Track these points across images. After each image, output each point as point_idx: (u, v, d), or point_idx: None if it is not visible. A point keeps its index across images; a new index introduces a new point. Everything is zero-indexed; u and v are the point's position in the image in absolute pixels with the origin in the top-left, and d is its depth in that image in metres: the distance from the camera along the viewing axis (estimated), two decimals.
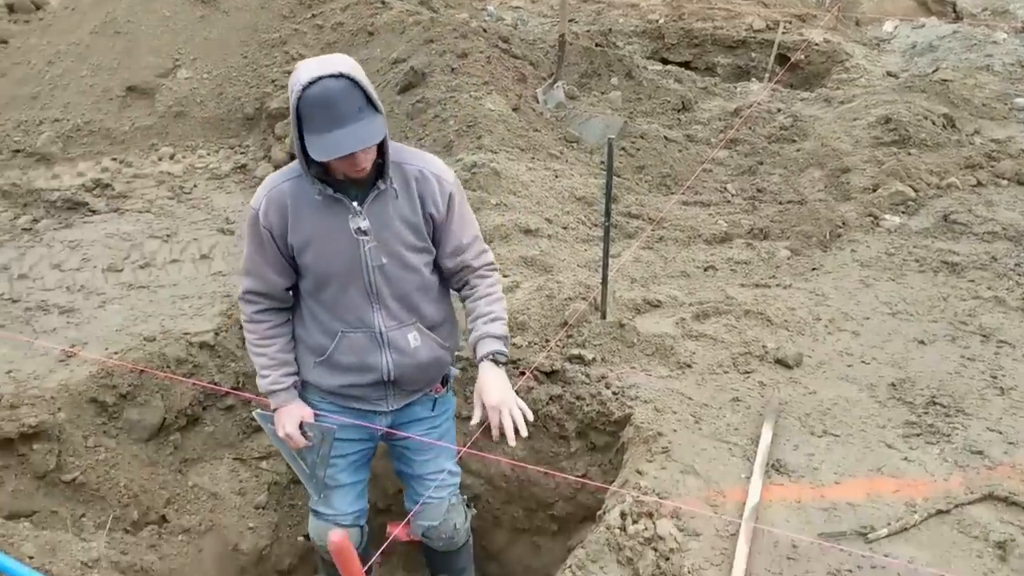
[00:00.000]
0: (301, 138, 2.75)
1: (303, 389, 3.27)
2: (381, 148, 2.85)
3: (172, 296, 5.08)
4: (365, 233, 2.93)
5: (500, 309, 3.18)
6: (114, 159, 6.99)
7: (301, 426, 3.14)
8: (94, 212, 6.17)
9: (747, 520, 3.28)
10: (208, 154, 7.09)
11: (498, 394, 3.02)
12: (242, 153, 7.12)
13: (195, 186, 6.58)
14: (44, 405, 4.05)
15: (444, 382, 3.42)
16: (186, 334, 4.62)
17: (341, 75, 2.66)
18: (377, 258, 2.97)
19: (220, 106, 7.44)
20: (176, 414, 4.43)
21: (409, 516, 3.57)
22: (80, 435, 4.11)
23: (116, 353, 4.43)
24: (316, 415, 3.22)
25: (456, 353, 3.48)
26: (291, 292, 3.16)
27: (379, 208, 2.94)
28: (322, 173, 2.88)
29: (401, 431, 3.37)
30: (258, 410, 3.32)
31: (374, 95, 2.74)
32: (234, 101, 7.45)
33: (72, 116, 7.24)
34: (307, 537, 3.73)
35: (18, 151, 7.01)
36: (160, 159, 7.00)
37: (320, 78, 2.64)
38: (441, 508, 3.49)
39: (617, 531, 3.21)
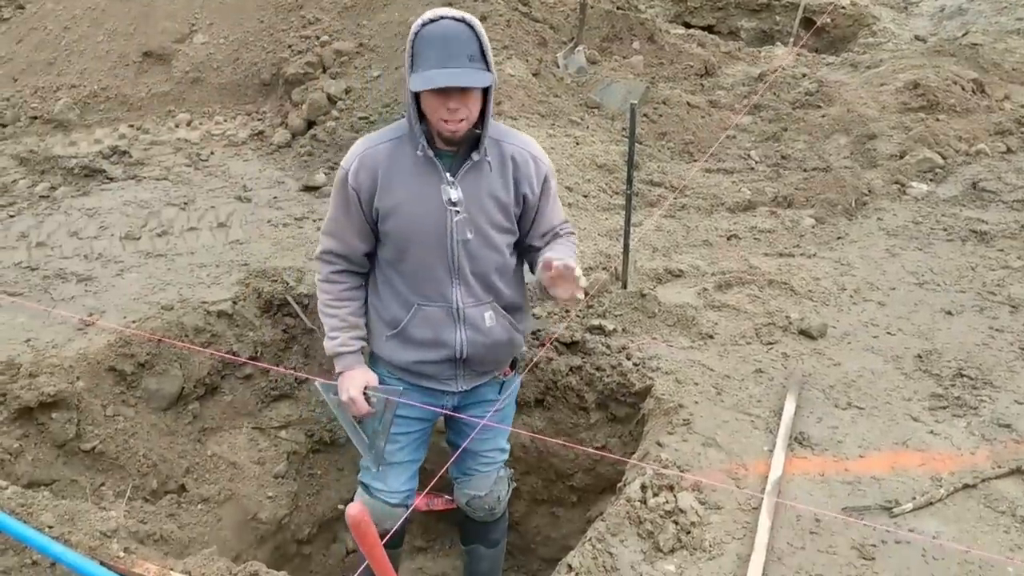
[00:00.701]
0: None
1: (372, 363, 3.23)
2: (481, 118, 2.79)
3: (190, 264, 5.05)
4: (455, 204, 2.87)
5: (567, 243, 3.10)
6: (131, 126, 6.94)
7: (365, 392, 3.05)
8: (111, 179, 6.13)
9: (769, 494, 3.24)
10: (225, 120, 7.03)
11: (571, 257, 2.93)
12: (259, 120, 7.05)
13: (212, 153, 6.53)
14: (63, 374, 4.03)
15: (513, 365, 3.36)
16: (204, 303, 4.59)
17: (463, 20, 2.65)
18: (463, 232, 2.91)
19: (237, 71, 7.37)
20: (195, 383, 4.41)
21: (427, 490, 3.54)
22: (99, 404, 4.10)
23: (134, 322, 4.41)
24: (381, 381, 3.16)
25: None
26: (369, 258, 3.12)
27: (472, 181, 2.88)
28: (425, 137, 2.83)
29: (465, 412, 3.32)
30: (319, 380, 3.24)
31: (489, 52, 2.69)
32: (251, 66, 7.37)
33: (89, 82, 7.19)
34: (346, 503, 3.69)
35: (35, 118, 6.98)
36: (177, 126, 6.94)
37: (443, 17, 2.65)
38: (489, 479, 3.46)
39: (638, 504, 3.17)
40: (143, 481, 4.07)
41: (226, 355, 4.41)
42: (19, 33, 7.93)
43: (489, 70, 2.69)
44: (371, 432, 3.19)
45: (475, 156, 2.84)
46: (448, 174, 2.86)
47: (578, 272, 2.72)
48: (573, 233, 3.19)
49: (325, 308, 3.11)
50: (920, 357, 4.10)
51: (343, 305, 3.10)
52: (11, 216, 5.69)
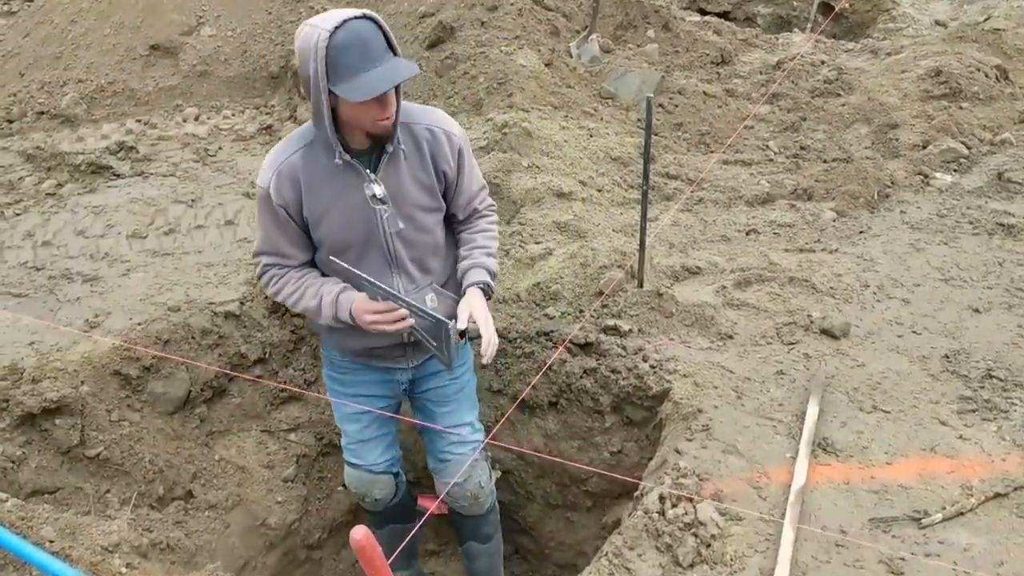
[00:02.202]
0: (329, 93, 2.63)
1: (323, 347, 3.37)
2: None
3: (197, 263, 4.96)
4: (382, 201, 2.88)
5: (495, 247, 3.19)
6: (138, 120, 6.85)
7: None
8: (118, 176, 6.04)
9: (793, 504, 3.13)
10: (233, 114, 6.92)
11: (483, 312, 3.00)
12: (267, 113, 6.95)
13: (220, 148, 6.43)
14: (67, 378, 3.96)
15: (462, 334, 3.30)
16: (211, 303, 4.51)
17: (366, 16, 2.63)
18: (394, 224, 2.93)
19: (245, 64, 7.26)
20: (202, 386, 4.33)
21: (443, 494, 3.48)
22: (103, 409, 4.02)
23: (140, 324, 4.33)
24: (333, 363, 3.33)
25: None
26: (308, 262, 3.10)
27: (393, 173, 2.89)
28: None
29: (421, 385, 3.40)
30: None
31: (394, 39, 2.68)
32: (259, 59, 7.26)
33: (95, 76, 7.10)
34: (344, 487, 3.75)
35: (42, 113, 6.89)
36: (184, 120, 6.85)
37: (346, 21, 2.58)
38: (463, 464, 3.43)
39: (656, 516, 3.06)
40: (149, 488, 4.00)
41: (219, 368, 4.31)
42: (26, 27, 7.84)
43: (398, 55, 2.70)
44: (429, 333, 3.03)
45: (389, 148, 2.84)
46: (368, 171, 2.85)
47: (486, 337, 2.96)
48: (493, 209, 3.28)
49: (293, 294, 3.03)
50: (947, 357, 3.96)
51: (304, 278, 3.03)
52: (17, 214, 5.61)
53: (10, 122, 6.87)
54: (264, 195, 2.86)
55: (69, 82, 7.08)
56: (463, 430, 3.43)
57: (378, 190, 2.86)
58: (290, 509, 4.28)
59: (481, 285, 3.05)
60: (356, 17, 2.60)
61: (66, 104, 6.85)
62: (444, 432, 3.40)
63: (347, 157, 2.80)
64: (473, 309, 2.97)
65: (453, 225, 3.21)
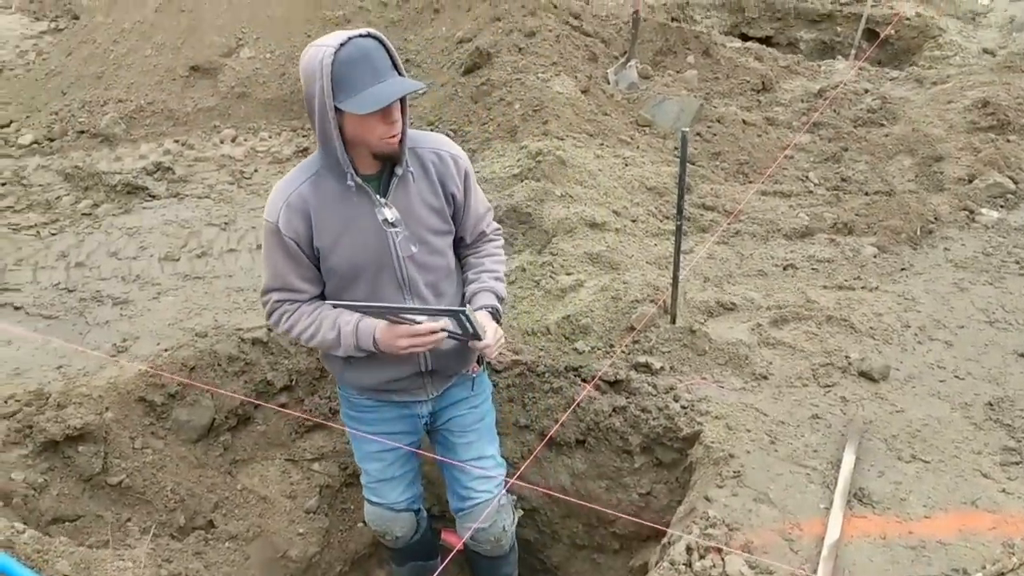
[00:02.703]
0: (336, 111, 2.60)
1: (339, 386, 3.31)
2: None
3: (227, 288, 4.95)
4: (394, 225, 2.84)
5: (503, 272, 3.17)
6: (176, 141, 6.88)
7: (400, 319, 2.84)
8: (154, 197, 6.07)
9: (826, 559, 3.01)
10: (270, 136, 6.93)
11: (493, 329, 2.93)
12: (304, 136, 6.95)
13: (256, 171, 6.44)
14: (91, 404, 3.94)
15: (480, 360, 3.26)
16: (238, 330, 4.48)
17: (370, 35, 2.61)
18: (407, 248, 2.88)
19: (283, 87, 7.28)
20: (226, 413, 4.30)
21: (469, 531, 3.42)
22: (127, 436, 4.00)
23: (166, 350, 4.31)
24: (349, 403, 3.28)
25: None
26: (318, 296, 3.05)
27: (403, 195, 2.85)
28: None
29: (441, 416, 3.34)
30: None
31: (398, 59, 2.67)
32: (296, 81, 7.26)
33: (135, 96, 7.15)
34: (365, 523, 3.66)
35: (82, 132, 6.95)
36: (221, 141, 6.87)
37: (351, 38, 2.57)
38: (487, 507, 3.35)
39: (683, 567, 2.96)
40: (170, 517, 3.96)
41: (243, 397, 4.27)
42: (70, 45, 7.94)
43: (403, 75, 2.68)
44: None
45: (399, 171, 2.79)
46: (379, 196, 2.80)
47: (489, 342, 2.88)
48: (499, 233, 3.26)
49: (308, 329, 2.94)
50: (991, 405, 3.82)
51: (318, 311, 2.94)
52: (53, 234, 5.64)
53: (51, 140, 6.94)
54: (273, 229, 2.79)
55: (109, 101, 7.14)
56: (486, 463, 3.35)
57: (389, 213, 2.81)
58: (311, 541, 4.22)
59: (490, 309, 3.00)
60: (361, 35, 2.58)
61: (106, 124, 6.90)
62: (466, 467, 3.32)
63: (358, 180, 2.75)
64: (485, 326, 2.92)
65: (460, 250, 3.17)
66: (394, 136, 2.68)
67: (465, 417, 3.34)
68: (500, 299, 3.07)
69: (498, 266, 3.15)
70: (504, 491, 3.41)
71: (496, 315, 3.02)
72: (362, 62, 2.54)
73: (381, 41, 2.62)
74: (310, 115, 2.68)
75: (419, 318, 2.81)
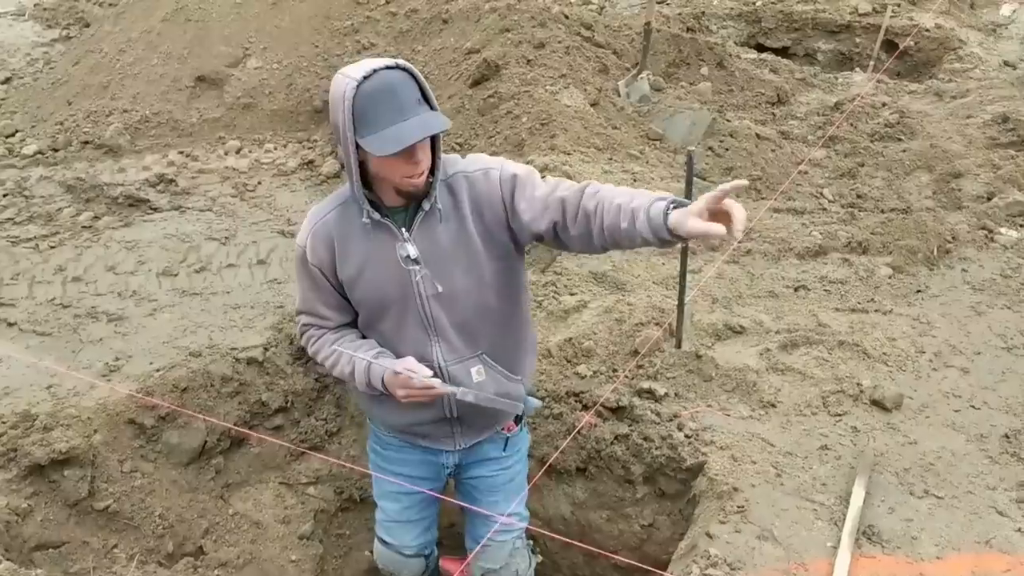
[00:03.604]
0: (357, 147, 2.48)
1: (369, 419, 3.18)
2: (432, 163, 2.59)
3: (224, 305, 4.85)
4: (416, 262, 2.66)
5: (612, 195, 2.44)
6: (181, 152, 6.80)
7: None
8: (155, 210, 5.99)
9: None
10: (275, 148, 6.85)
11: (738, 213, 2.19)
12: (309, 148, 6.85)
13: (259, 183, 6.35)
14: (79, 427, 3.85)
15: (518, 419, 3.12)
16: (233, 349, 4.37)
17: (397, 66, 2.46)
18: (430, 287, 2.69)
19: (289, 98, 7.19)
20: (219, 436, 4.18)
21: (468, 558, 3.29)
22: (116, 459, 3.90)
23: (158, 371, 4.21)
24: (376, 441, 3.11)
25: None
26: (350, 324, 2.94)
27: (428, 231, 2.66)
28: (371, 196, 2.63)
29: (468, 471, 3.17)
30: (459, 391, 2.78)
31: (429, 91, 2.49)
32: (303, 92, 7.19)
33: (141, 107, 7.09)
34: (371, 552, 3.53)
35: (87, 142, 6.89)
36: (226, 153, 6.79)
37: (376, 71, 2.42)
38: (504, 551, 3.22)
39: None
40: (158, 543, 3.87)
41: (232, 426, 4.16)
42: (76, 55, 7.90)
43: (434, 108, 2.50)
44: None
45: (425, 205, 2.62)
46: (403, 230, 2.65)
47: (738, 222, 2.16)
48: (588, 183, 2.58)
49: (329, 359, 2.86)
50: (1007, 437, 3.67)
51: (338, 343, 2.84)
52: (51, 247, 5.57)
53: (55, 151, 6.88)
54: (301, 255, 2.75)
55: (115, 112, 7.08)
56: (510, 519, 3.20)
57: (411, 250, 2.65)
58: (305, 568, 4.11)
59: (667, 206, 2.29)
60: (388, 67, 2.43)
61: (110, 134, 6.84)
62: (488, 520, 3.16)
63: (376, 216, 2.62)
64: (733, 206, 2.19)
65: (567, 232, 2.56)
66: (418, 176, 2.52)
67: (494, 478, 3.17)
68: (661, 199, 2.33)
69: (618, 191, 2.46)
70: (522, 535, 3.28)
71: (678, 203, 2.30)
72: (385, 97, 2.39)
73: (411, 73, 2.47)
74: (334, 143, 2.59)
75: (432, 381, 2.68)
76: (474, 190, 2.66)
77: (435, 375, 2.71)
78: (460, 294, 2.73)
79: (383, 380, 2.72)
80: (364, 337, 2.88)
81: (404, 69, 2.46)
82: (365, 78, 2.40)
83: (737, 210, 2.17)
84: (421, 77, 2.49)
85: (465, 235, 2.68)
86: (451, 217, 2.67)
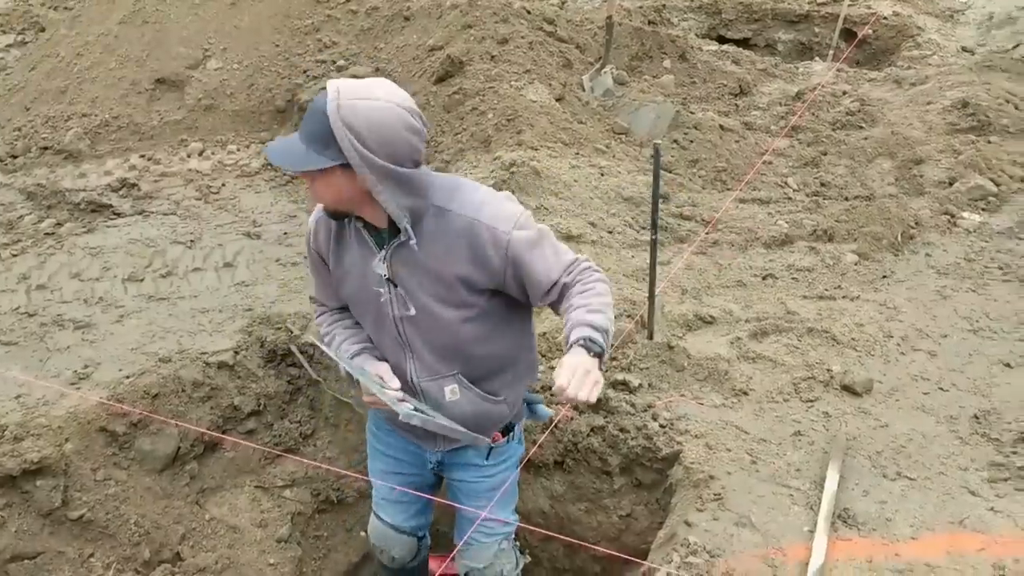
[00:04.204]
0: None
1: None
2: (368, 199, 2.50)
3: (192, 309, 4.79)
4: (389, 281, 2.61)
5: (597, 302, 2.55)
6: (142, 156, 6.70)
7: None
8: (118, 215, 5.90)
9: None
10: (238, 149, 6.77)
11: (570, 368, 2.37)
12: None
13: (223, 185, 6.28)
14: (51, 436, 3.80)
15: (506, 431, 3.01)
16: (203, 354, 4.33)
17: (337, 98, 2.38)
18: (403, 307, 2.64)
19: (251, 98, 7.10)
20: (192, 442, 4.15)
21: (452, 554, 3.26)
22: (88, 468, 3.86)
23: (128, 377, 4.16)
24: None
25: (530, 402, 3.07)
26: None
27: (404, 257, 2.58)
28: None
29: (451, 472, 3.11)
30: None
31: (345, 138, 2.34)
32: (265, 92, 7.10)
33: (100, 111, 6.96)
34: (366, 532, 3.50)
35: (46, 148, 6.76)
36: (189, 155, 6.70)
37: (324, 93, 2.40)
38: (488, 552, 3.16)
39: None
40: (135, 551, 3.83)
41: (205, 430, 4.13)
42: (33, 60, 7.75)
43: (329, 154, 2.37)
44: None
45: (402, 236, 2.53)
46: (382, 248, 2.60)
47: (571, 392, 2.33)
48: (591, 271, 2.64)
49: (326, 337, 2.91)
50: (977, 418, 3.74)
51: (334, 327, 2.90)
52: (14, 255, 5.46)
53: (14, 157, 6.75)
54: (307, 236, 2.81)
55: (73, 116, 6.96)
56: (491, 523, 3.13)
57: (382, 270, 2.60)
58: (284, 571, 4.08)
59: (580, 342, 2.46)
60: (330, 96, 2.37)
61: (69, 139, 6.73)
62: (473, 520, 3.09)
63: (358, 225, 2.60)
64: (560, 367, 2.40)
65: (557, 308, 2.65)
66: (314, 197, 2.58)
67: (477, 484, 3.09)
68: (597, 328, 2.48)
69: (589, 299, 2.57)
70: (509, 537, 3.22)
71: (590, 345, 2.46)
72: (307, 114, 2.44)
73: (339, 114, 2.34)
74: None
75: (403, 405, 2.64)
76: (479, 238, 2.53)
77: (406, 389, 2.71)
78: (435, 320, 2.65)
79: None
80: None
81: (338, 104, 2.35)
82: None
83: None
84: (347, 122, 2.35)
85: (448, 269, 2.58)
86: (434, 248, 2.56)
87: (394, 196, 2.45)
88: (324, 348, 2.85)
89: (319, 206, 2.70)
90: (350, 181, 2.42)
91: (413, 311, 2.63)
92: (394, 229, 2.55)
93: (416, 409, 2.66)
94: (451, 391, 2.75)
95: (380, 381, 2.69)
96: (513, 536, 3.27)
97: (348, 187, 2.45)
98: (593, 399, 2.36)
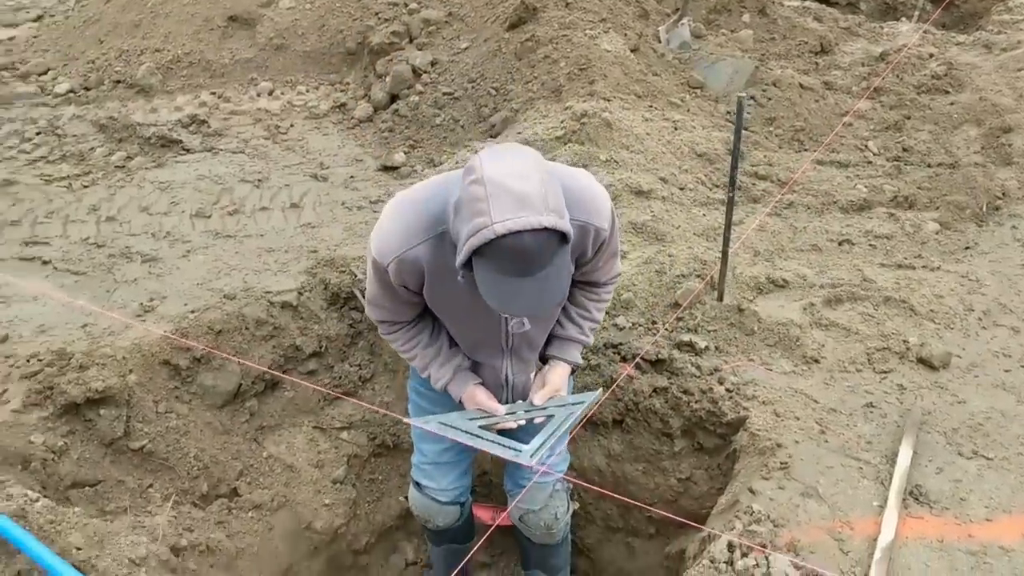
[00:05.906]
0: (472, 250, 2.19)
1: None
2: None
3: (258, 248, 4.80)
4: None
5: (596, 310, 2.93)
6: (213, 93, 6.71)
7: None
8: (188, 151, 5.92)
9: (879, 562, 2.82)
10: (307, 91, 6.74)
11: (549, 393, 2.91)
12: (342, 91, 6.74)
13: (292, 125, 6.26)
14: (115, 366, 3.82)
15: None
16: (267, 292, 4.33)
17: (545, 228, 2.12)
18: (519, 325, 2.72)
19: (322, 39, 7.06)
20: (253, 379, 4.16)
21: (506, 509, 3.31)
22: (151, 400, 3.88)
23: (193, 312, 4.18)
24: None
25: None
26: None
27: None
28: None
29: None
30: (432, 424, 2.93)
31: (569, 230, 2.20)
32: (336, 34, 7.05)
33: (173, 47, 6.98)
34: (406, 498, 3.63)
35: (119, 82, 6.81)
36: (258, 95, 6.69)
37: (520, 232, 2.09)
38: (544, 492, 3.22)
39: (723, 566, 2.78)
40: (193, 484, 3.85)
41: (267, 369, 4.13)
42: None
43: (567, 241, 2.22)
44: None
45: None
46: None
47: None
48: (615, 279, 2.94)
49: (405, 353, 2.90)
50: None
51: (415, 342, 2.86)
52: (85, 187, 5.53)
53: (87, 90, 6.81)
54: (381, 268, 2.51)
55: (146, 51, 6.99)
56: (551, 460, 3.09)
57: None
58: (338, 513, 4.10)
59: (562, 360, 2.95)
60: (532, 230, 2.09)
61: (142, 74, 6.76)
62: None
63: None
64: (547, 385, 2.90)
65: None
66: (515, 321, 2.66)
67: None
68: (579, 344, 2.97)
69: (590, 306, 2.93)
70: (562, 478, 3.26)
71: (574, 367, 3.02)
72: (514, 259, 2.13)
73: (557, 231, 2.15)
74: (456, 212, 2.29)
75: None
76: (581, 238, 2.50)
77: (498, 384, 2.91)
78: (545, 323, 2.83)
79: (460, 400, 2.90)
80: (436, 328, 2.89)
81: (554, 230, 2.14)
82: (507, 235, 2.09)
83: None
84: (566, 225, 2.18)
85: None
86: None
87: None
88: (434, 429, 2.89)
89: (394, 249, 2.45)
90: None
91: (528, 326, 2.72)
92: None
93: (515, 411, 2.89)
94: (531, 375, 2.96)
95: (486, 416, 2.85)
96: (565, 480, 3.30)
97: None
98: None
